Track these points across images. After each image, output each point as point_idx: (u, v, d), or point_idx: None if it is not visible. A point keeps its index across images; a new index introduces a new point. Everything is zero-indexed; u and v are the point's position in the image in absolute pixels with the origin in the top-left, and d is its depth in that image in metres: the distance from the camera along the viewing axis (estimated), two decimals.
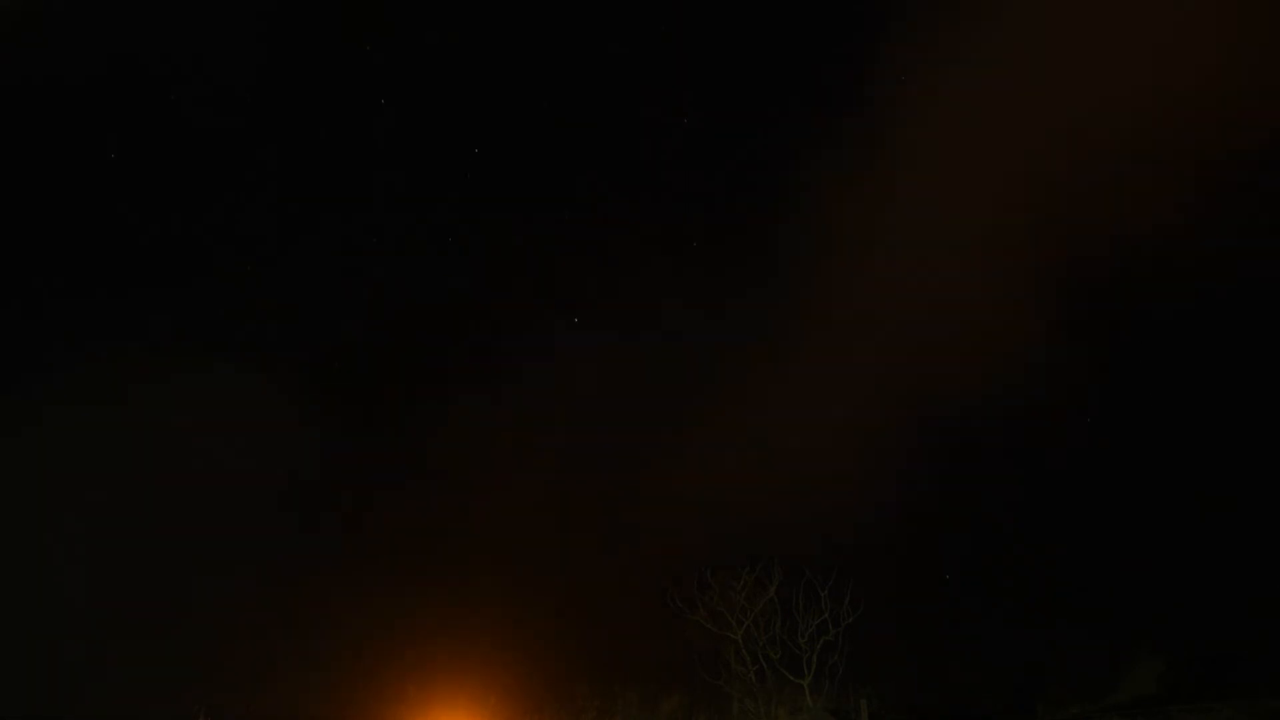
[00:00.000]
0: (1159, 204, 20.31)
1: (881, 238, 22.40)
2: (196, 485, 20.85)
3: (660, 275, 22.81)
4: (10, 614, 19.12)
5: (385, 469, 22.29)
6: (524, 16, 23.76)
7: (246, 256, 23.43)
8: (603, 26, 23.73)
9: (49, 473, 20.52)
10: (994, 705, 18.13)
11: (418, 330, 23.41)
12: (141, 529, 20.31)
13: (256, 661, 19.37)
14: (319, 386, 22.33)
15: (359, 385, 22.98)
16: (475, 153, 23.76)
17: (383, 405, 22.93)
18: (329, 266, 23.76)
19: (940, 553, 20.43)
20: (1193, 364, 20.81)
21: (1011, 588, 19.64)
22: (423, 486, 21.60)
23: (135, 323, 22.31)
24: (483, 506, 20.87)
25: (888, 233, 22.35)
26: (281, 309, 23.18)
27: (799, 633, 16.94)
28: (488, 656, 19.11)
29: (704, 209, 24.18)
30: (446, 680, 18.84)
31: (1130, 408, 21.08)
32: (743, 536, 19.30)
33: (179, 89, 23.28)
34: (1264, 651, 17.35)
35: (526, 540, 20.60)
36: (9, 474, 20.17)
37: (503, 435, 22.07)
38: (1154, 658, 18.08)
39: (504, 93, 23.98)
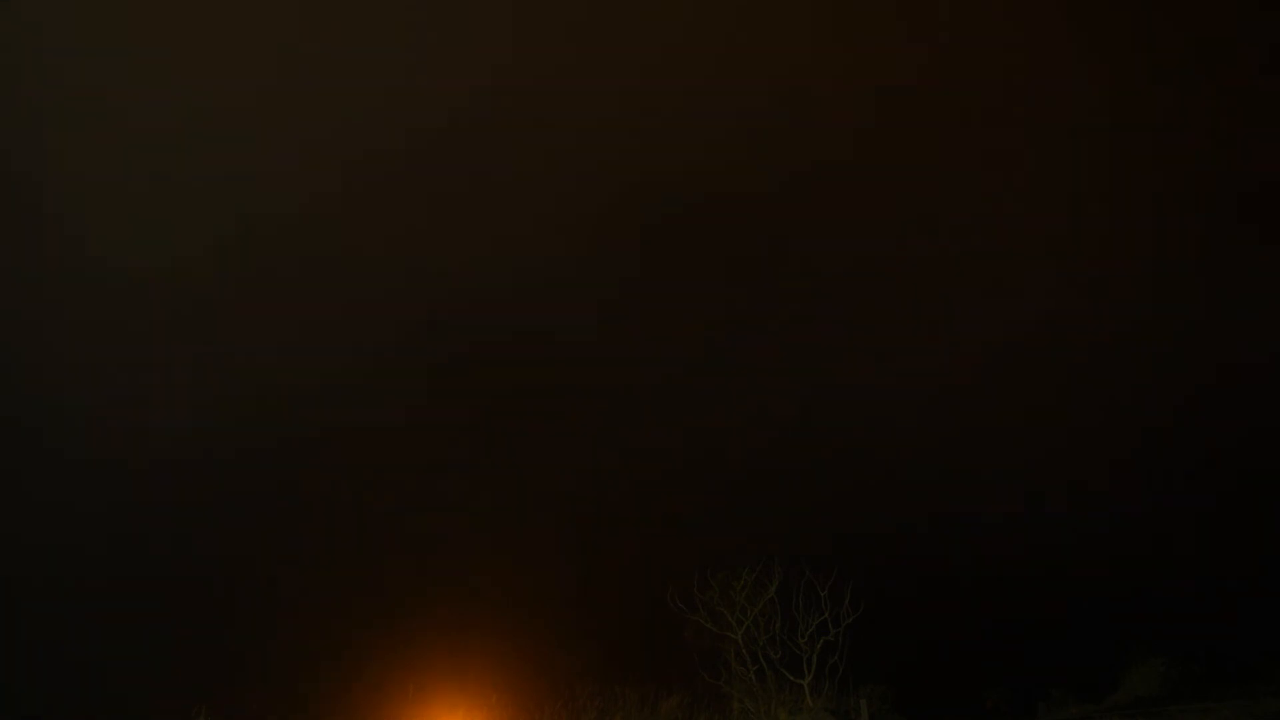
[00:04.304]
0: None
1: None
2: (193, 484, 20.92)
3: None
4: (10, 613, 19.14)
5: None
6: None
7: None
8: None
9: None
10: (994, 705, 18.11)
11: None
12: (140, 528, 20.34)
13: (258, 661, 19.38)
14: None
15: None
16: None
17: None
18: None
19: (941, 553, 20.42)
20: (1190, 363, 20.83)
21: (1011, 588, 19.61)
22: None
23: None
24: (483, 508, 20.88)
25: None
26: None
27: (799, 633, 16.90)
28: (489, 656, 19.11)
29: None
30: (447, 680, 18.83)
31: (1130, 408, 21.08)
32: (743, 536, 19.30)
33: None
34: (1264, 651, 17.34)
35: (527, 541, 20.61)
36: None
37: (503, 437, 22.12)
38: (1154, 658, 18.06)
39: None
